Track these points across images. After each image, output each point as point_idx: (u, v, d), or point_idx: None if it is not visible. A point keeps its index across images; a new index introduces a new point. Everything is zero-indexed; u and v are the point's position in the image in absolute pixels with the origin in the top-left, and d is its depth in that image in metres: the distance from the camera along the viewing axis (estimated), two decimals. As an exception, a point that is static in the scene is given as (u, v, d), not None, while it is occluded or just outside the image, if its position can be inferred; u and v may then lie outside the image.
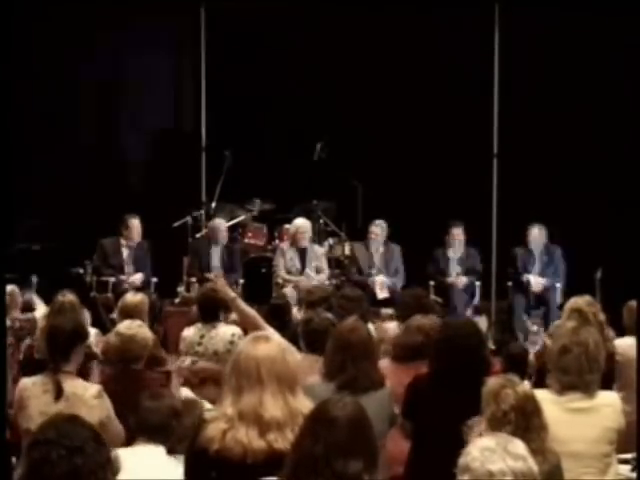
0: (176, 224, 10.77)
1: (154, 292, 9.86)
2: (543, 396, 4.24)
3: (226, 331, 6.58)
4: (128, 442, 4.39)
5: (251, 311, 5.87)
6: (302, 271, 10.16)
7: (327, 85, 11.23)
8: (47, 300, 7.22)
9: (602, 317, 6.20)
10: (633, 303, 6.43)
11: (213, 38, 11.62)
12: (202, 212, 11.15)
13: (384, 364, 5.49)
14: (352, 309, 6.25)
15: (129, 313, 6.45)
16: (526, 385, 4.23)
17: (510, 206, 10.91)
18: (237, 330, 6.52)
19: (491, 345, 9.19)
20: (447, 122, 10.93)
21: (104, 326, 8.11)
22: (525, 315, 10.09)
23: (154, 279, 10.08)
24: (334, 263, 10.56)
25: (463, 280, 10.27)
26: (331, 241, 10.79)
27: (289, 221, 10.56)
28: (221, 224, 10.39)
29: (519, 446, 2.81)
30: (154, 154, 11.01)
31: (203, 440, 3.57)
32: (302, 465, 3.04)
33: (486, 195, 11.16)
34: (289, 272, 10.20)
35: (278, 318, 6.40)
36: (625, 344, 6.18)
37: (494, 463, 2.72)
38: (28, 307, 7.52)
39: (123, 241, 10.04)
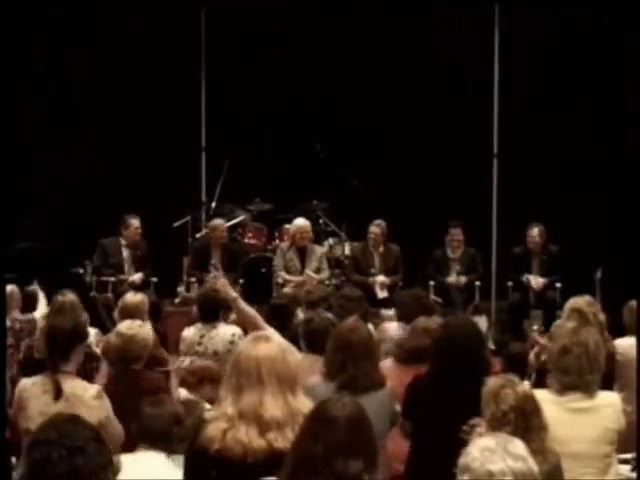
0: (176, 224, 10.77)
1: (154, 292, 9.86)
2: (543, 396, 4.24)
3: (226, 331, 6.59)
4: (129, 448, 4.38)
5: (251, 311, 5.87)
6: (302, 271, 10.17)
7: (327, 85, 11.22)
8: (47, 300, 7.21)
9: (602, 317, 6.19)
10: (633, 303, 6.44)
11: (213, 38, 11.63)
12: (202, 212, 11.16)
13: (387, 365, 5.49)
14: (352, 309, 6.26)
15: (129, 313, 6.45)
16: (526, 385, 4.23)
17: (510, 206, 10.92)
18: (237, 330, 6.53)
19: (491, 345, 9.19)
20: (447, 122, 10.93)
21: (104, 326, 8.11)
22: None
23: (154, 279, 10.08)
24: (334, 263, 10.56)
25: (463, 280, 10.28)
26: (331, 241, 10.79)
27: (289, 221, 10.56)
28: (221, 224, 10.39)
29: (519, 446, 2.81)
30: (154, 154, 11.00)
31: (203, 440, 3.57)
32: (302, 465, 3.04)
33: (486, 195, 11.17)
34: (289, 272, 10.20)
35: (278, 318, 6.40)
36: (625, 344, 6.18)
37: (494, 463, 2.72)
38: (32, 300, 7.51)
39: (123, 241, 10.04)
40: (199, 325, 6.72)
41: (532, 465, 2.78)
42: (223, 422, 3.57)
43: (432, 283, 10.13)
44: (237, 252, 10.46)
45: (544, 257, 10.26)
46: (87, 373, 5.41)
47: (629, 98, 10.20)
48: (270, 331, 5.40)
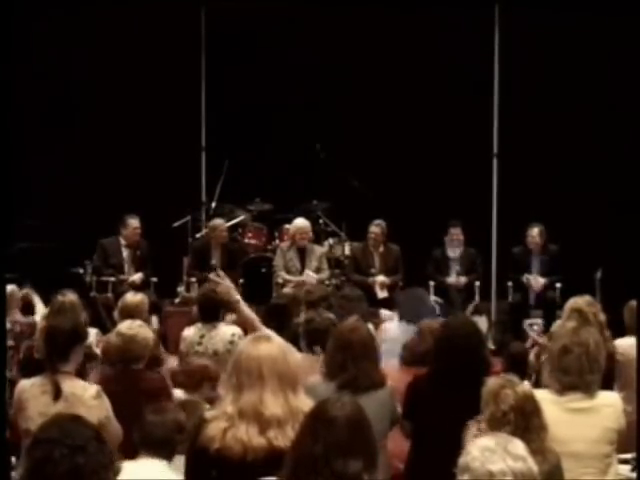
0: (176, 224, 10.77)
1: (154, 292, 9.86)
2: (543, 396, 4.24)
3: (226, 331, 6.59)
4: (131, 456, 4.38)
5: (252, 315, 5.84)
6: (302, 271, 10.17)
7: (327, 85, 11.23)
8: (47, 300, 7.21)
9: (602, 317, 6.20)
10: (633, 303, 6.44)
11: (213, 38, 11.63)
12: (202, 212, 11.16)
13: (394, 367, 5.48)
14: (352, 309, 6.27)
15: (129, 313, 6.45)
16: (526, 385, 4.23)
17: (510, 206, 10.92)
18: (237, 330, 6.52)
19: (491, 345, 9.19)
20: (447, 122, 10.93)
21: (104, 326, 8.11)
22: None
23: (154, 279, 10.08)
24: (334, 263, 10.56)
25: (463, 280, 10.28)
26: (331, 241, 10.79)
27: (289, 221, 10.56)
28: (221, 224, 10.39)
29: (519, 446, 2.81)
30: (154, 154, 11.00)
31: (204, 439, 3.57)
32: (301, 465, 3.04)
33: (486, 195, 11.17)
34: (289, 272, 10.20)
35: (277, 318, 6.39)
36: (625, 344, 6.18)
37: (494, 463, 2.72)
38: (27, 302, 7.50)
39: (123, 241, 10.04)
40: (199, 325, 6.72)
41: (532, 465, 2.78)
42: (223, 421, 3.57)
43: (432, 283, 10.13)
44: (237, 252, 10.46)
45: (544, 257, 10.25)
46: (82, 373, 5.39)
47: (629, 98, 10.20)
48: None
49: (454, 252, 10.39)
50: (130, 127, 11.13)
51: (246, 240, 10.87)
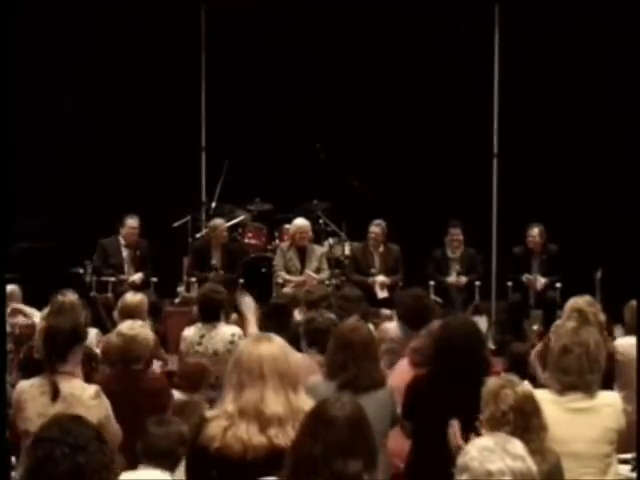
0: (176, 224, 10.77)
1: (154, 292, 9.86)
2: (543, 396, 4.24)
3: (226, 331, 6.59)
4: (131, 456, 4.37)
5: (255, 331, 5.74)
6: (302, 271, 10.17)
7: (327, 85, 11.23)
8: (47, 300, 7.19)
9: (602, 317, 6.20)
10: (633, 303, 6.44)
11: (213, 38, 11.63)
12: (202, 212, 11.15)
13: (403, 368, 5.45)
14: (352, 309, 6.26)
15: (129, 313, 6.45)
16: (526, 385, 4.23)
17: (510, 206, 10.92)
18: (237, 330, 6.53)
19: (491, 345, 9.19)
20: (447, 122, 10.93)
21: (104, 326, 8.12)
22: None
23: (154, 279, 10.08)
24: (334, 263, 10.56)
25: (463, 280, 10.28)
26: (331, 241, 10.79)
27: (289, 221, 10.56)
28: (221, 224, 10.39)
29: (518, 446, 2.81)
30: (154, 154, 11.00)
31: (204, 438, 3.57)
32: (301, 465, 3.04)
33: (486, 195, 11.17)
34: (289, 272, 10.20)
35: (277, 318, 6.39)
36: (626, 344, 6.19)
37: (493, 463, 2.72)
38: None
39: (123, 241, 10.04)
40: (199, 325, 6.72)
41: (531, 465, 2.78)
42: (224, 420, 3.57)
43: (432, 283, 10.13)
44: (237, 252, 10.46)
45: (544, 257, 10.25)
46: (87, 373, 5.40)
47: (629, 98, 10.21)
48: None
49: (454, 252, 10.39)
50: (130, 127, 11.13)
51: (246, 240, 10.87)
